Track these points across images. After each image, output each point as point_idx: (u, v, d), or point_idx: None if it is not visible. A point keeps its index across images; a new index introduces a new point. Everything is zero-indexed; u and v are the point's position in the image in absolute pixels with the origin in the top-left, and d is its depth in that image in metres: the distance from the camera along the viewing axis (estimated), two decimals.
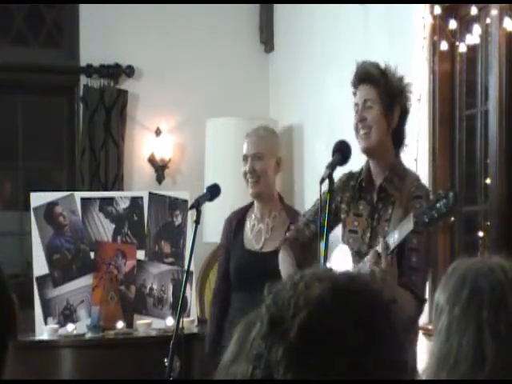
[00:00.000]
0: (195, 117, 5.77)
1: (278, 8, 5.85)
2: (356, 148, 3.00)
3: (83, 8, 5.74)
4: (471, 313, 1.54)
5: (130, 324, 4.70)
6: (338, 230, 3.14)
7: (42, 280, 4.71)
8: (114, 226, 4.84)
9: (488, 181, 3.66)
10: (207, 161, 5.57)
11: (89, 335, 4.57)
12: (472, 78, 3.89)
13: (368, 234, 2.95)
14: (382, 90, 2.94)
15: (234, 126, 5.27)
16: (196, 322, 4.78)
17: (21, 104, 5.84)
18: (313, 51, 5.28)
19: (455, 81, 3.94)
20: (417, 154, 3.87)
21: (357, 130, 2.98)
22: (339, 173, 3.07)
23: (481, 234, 3.76)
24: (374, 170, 3.01)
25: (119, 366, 4.42)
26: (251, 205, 3.83)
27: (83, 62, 5.72)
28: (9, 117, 5.89)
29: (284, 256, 3.17)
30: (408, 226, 2.56)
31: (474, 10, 3.68)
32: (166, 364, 3.19)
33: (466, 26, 3.82)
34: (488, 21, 3.61)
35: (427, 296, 3.04)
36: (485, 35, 3.68)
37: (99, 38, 5.74)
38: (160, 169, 5.81)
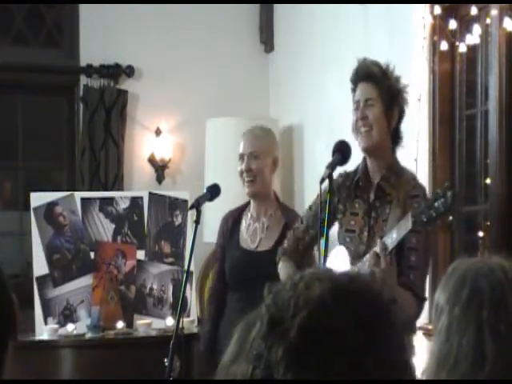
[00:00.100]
0: (195, 117, 5.77)
1: (278, 8, 5.85)
2: (356, 148, 3.00)
3: (83, 8, 5.74)
4: (471, 313, 1.54)
5: (130, 324, 4.71)
6: (333, 230, 3.14)
7: (41, 280, 4.71)
8: (113, 226, 4.85)
9: (488, 181, 3.66)
10: (207, 161, 5.57)
11: (89, 335, 4.57)
12: (472, 78, 3.89)
13: (365, 233, 2.95)
14: (382, 89, 2.95)
15: (234, 126, 5.27)
16: (196, 322, 4.78)
17: (21, 104, 5.84)
18: (313, 51, 5.28)
19: (455, 81, 3.94)
20: (417, 154, 3.87)
21: (356, 128, 2.98)
22: (338, 173, 3.07)
23: (481, 234, 3.76)
24: (371, 169, 3.01)
25: (119, 365, 4.42)
26: (247, 204, 3.84)
27: (83, 62, 5.72)
28: (9, 117, 5.89)
29: (283, 267, 3.19)
30: (406, 225, 2.57)
31: (474, 10, 3.68)
32: (166, 364, 3.19)
33: (466, 26, 3.83)
34: (488, 21, 3.61)
35: (427, 295, 3.04)
36: (485, 35, 3.68)
37: (99, 38, 5.74)
38: (160, 169, 5.81)
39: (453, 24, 3.80)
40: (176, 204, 4.93)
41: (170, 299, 4.83)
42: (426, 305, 2.98)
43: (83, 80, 5.72)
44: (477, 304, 1.55)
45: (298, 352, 0.94)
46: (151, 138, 5.83)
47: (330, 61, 4.98)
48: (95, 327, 4.57)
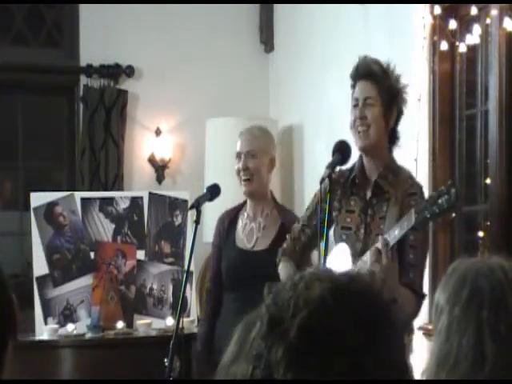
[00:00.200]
0: (195, 117, 5.78)
1: (278, 8, 5.85)
2: (355, 148, 3.00)
3: (83, 8, 5.74)
4: (471, 313, 1.54)
5: (130, 324, 4.71)
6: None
7: (42, 280, 4.71)
8: (113, 226, 4.85)
9: (488, 181, 3.66)
10: (207, 161, 5.57)
11: (89, 335, 4.57)
12: (472, 78, 3.89)
13: (362, 231, 2.95)
14: (382, 88, 2.95)
15: (234, 126, 5.26)
16: (196, 322, 4.77)
17: (21, 104, 5.84)
18: (313, 51, 5.28)
19: (455, 81, 3.94)
20: (417, 153, 3.87)
21: (355, 127, 2.98)
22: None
23: (481, 233, 3.76)
24: (367, 167, 3.01)
25: (119, 366, 4.43)
26: (244, 204, 3.84)
27: (83, 62, 5.72)
28: (9, 117, 5.90)
29: (283, 267, 3.19)
30: (409, 221, 2.57)
31: (474, 10, 3.68)
32: (166, 364, 3.19)
33: (466, 26, 3.83)
34: (488, 21, 3.61)
35: (427, 294, 3.04)
36: (485, 35, 3.68)
37: (99, 38, 5.74)
38: (160, 169, 5.81)
39: (453, 24, 3.80)
40: (176, 204, 4.93)
41: (170, 299, 4.83)
42: (426, 305, 2.98)
43: (83, 80, 5.72)
44: (477, 304, 1.55)
45: (298, 352, 0.94)
46: (151, 138, 5.83)
47: (330, 61, 4.98)
48: (95, 327, 4.57)
